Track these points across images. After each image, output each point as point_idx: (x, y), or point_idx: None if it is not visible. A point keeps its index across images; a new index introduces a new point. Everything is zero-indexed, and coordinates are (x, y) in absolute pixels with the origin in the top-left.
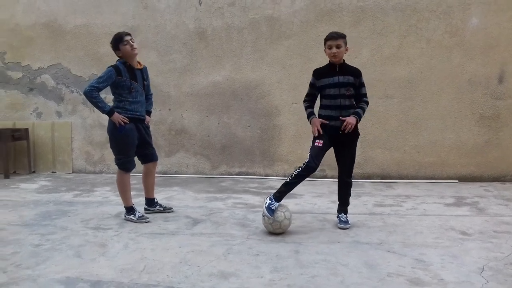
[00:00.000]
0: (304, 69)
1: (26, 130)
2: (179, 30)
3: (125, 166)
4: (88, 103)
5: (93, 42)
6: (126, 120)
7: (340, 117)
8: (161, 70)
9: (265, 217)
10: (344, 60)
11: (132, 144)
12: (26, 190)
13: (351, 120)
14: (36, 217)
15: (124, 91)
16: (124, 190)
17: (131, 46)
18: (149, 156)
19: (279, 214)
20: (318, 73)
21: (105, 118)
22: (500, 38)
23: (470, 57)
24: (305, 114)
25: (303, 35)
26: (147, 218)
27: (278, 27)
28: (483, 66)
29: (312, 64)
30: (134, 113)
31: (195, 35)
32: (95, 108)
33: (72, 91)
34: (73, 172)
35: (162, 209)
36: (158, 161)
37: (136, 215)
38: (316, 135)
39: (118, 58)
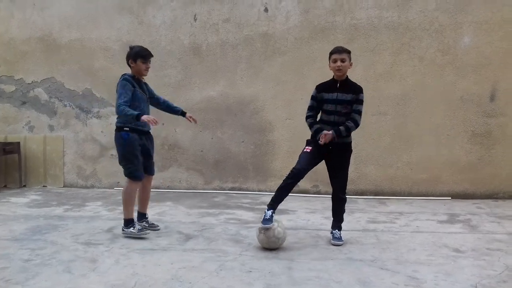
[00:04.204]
0: (298, 85)
1: (18, 143)
2: (174, 46)
3: (133, 174)
4: (81, 117)
5: (87, 57)
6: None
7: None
8: (155, 85)
9: (261, 233)
10: (347, 76)
11: (137, 151)
12: (17, 204)
13: (329, 135)
14: (26, 232)
15: (136, 102)
16: (129, 201)
17: (147, 68)
18: (146, 169)
19: (274, 240)
20: (320, 87)
21: (97, 133)
22: (492, 57)
23: (462, 75)
24: (299, 130)
25: (297, 51)
26: (147, 231)
27: (272, 43)
28: (475, 84)
29: (306, 80)
30: (138, 125)
31: (189, 51)
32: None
33: (65, 105)
34: (64, 186)
35: (147, 226)
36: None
37: (136, 228)
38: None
39: (125, 73)
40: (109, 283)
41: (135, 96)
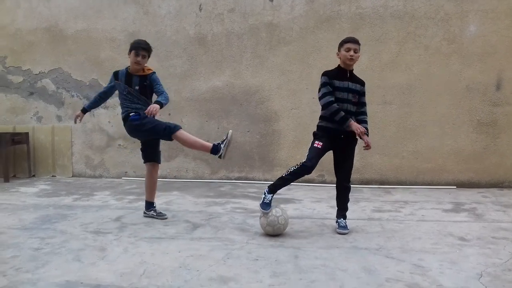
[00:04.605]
0: (303, 75)
1: (26, 134)
2: (180, 36)
3: (172, 128)
4: None
5: (93, 47)
6: (78, 119)
7: (365, 143)
8: (161, 75)
9: (261, 217)
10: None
11: (151, 119)
12: (26, 193)
13: (369, 139)
14: (35, 221)
15: (122, 94)
16: (194, 140)
17: (137, 61)
18: (151, 156)
19: (273, 219)
20: (330, 74)
21: (105, 123)
22: (498, 45)
23: (468, 64)
24: (304, 120)
25: (302, 41)
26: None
27: (277, 33)
28: (480, 73)
29: (311, 70)
30: (140, 109)
31: (195, 41)
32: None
33: (73, 96)
34: (73, 176)
35: (155, 214)
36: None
37: (223, 143)
38: (362, 135)
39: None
40: (118, 272)
41: (119, 88)
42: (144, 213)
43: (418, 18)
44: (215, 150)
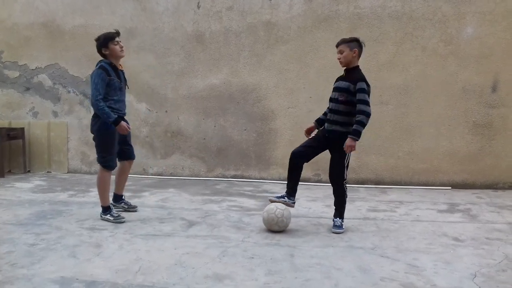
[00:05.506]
0: (300, 74)
1: (22, 129)
2: (177, 33)
3: (108, 164)
4: (84, 103)
5: (91, 43)
6: (130, 128)
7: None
8: (158, 73)
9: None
10: (357, 66)
11: (115, 142)
12: (21, 189)
13: (349, 143)
14: (31, 217)
15: (112, 90)
16: (104, 189)
17: (121, 47)
18: (126, 154)
19: (272, 207)
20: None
21: None
22: (495, 47)
23: (465, 66)
24: (301, 119)
25: (300, 40)
26: (123, 218)
27: (275, 32)
28: (477, 74)
29: (309, 69)
30: (119, 112)
31: (193, 38)
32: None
33: (69, 91)
34: (68, 172)
35: (126, 207)
36: (148, 162)
37: (113, 215)
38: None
39: (101, 59)
40: (113, 268)
41: (112, 85)
42: (113, 205)
43: (416, 19)
44: (106, 209)
